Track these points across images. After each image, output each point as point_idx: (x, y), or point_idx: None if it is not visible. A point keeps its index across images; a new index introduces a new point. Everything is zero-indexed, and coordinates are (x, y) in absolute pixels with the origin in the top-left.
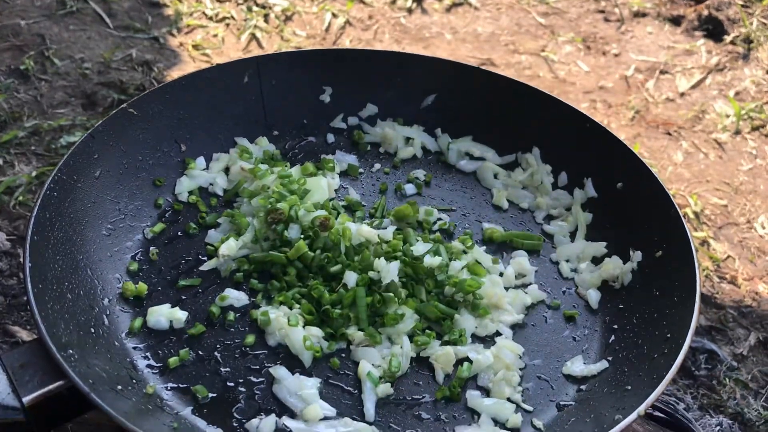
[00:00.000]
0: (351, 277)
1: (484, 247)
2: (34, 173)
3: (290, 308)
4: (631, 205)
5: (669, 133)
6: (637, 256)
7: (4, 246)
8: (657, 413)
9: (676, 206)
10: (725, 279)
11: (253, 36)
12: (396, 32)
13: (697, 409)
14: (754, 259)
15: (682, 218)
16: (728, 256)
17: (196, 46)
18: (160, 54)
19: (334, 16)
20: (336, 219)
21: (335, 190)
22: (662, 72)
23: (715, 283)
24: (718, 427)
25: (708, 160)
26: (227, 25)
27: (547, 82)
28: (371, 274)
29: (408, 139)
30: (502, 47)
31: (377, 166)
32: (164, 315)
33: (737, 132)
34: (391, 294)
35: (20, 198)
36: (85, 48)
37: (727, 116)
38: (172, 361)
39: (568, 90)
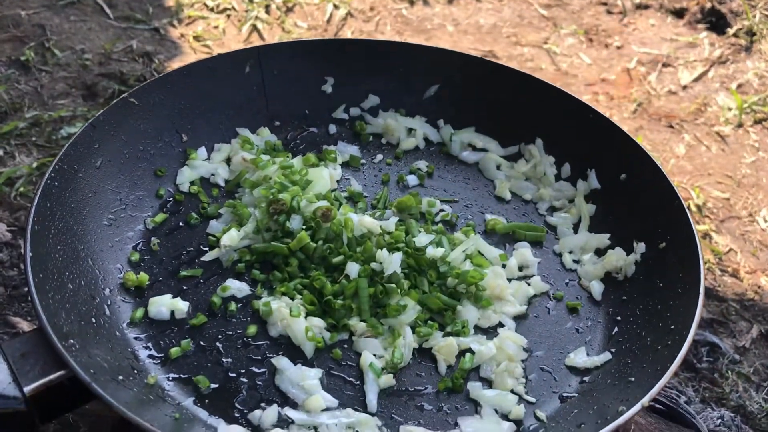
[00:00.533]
0: (353, 268)
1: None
2: (34, 164)
3: (292, 299)
4: (634, 196)
5: (671, 126)
6: (640, 247)
7: (5, 237)
8: (658, 406)
9: (680, 197)
10: (727, 272)
11: (254, 27)
12: (398, 24)
13: (698, 402)
14: (756, 253)
15: (686, 209)
16: (730, 249)
17: (197, 38)
18: (161, 45)
19: (336, 7)
20: (338, 210)
21: (337, 181)
22: (665, 65)
23: (717, 276)
24: (719, 420)
25: (710, 153)
26: (228, 16)
27: (549, 74)
28: (373, 265)
29: (410, 130)
30: (504, 39)
31: (379, 157)
32: (165, 305)
33: (740, 125)
34: (394, 285)
35: (21, 189)
36: (86, 39)
37: (730, 109)
38: (174, 351)
39: (570, 82)
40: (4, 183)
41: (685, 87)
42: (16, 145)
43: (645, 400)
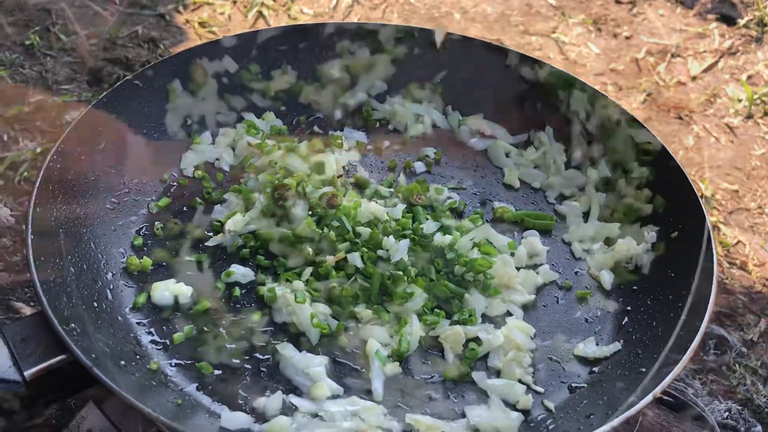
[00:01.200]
0: (356, 258)
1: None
2: (38, 149)
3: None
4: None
5: (680, 117)
6: (651, 237)
7: (9, 222)
8: (666, 398)
9: (693, 186)
10: (735, 265)
11: (260, 14)
12: (405, 11)
13: (706, 395)
14: (765, 245)
15: (699, 198)
16: (738, 242)
17: (202, 24)
18: (166, 31)
19: None
20: (344, 196)
21: (343, 167)
22: (674, 55)
23: (725, 268)
24: (727, 413)
25: (719, 145)
26: (234, 2)
27: (557, 63)
28: (380, 252)
29: (418, 116)
30: (512, 28)
31: (386, 143)
32: (169, 290)
33: (749, 116)
34: (400, 272)
35: (25, 174)
36: (91, 24)
37: (740, 100)
38: (177, 337)
39: (578, 72)
40: (8, 168)
41: (694, 78)
42: (20, 130)
43: (656, 391)
